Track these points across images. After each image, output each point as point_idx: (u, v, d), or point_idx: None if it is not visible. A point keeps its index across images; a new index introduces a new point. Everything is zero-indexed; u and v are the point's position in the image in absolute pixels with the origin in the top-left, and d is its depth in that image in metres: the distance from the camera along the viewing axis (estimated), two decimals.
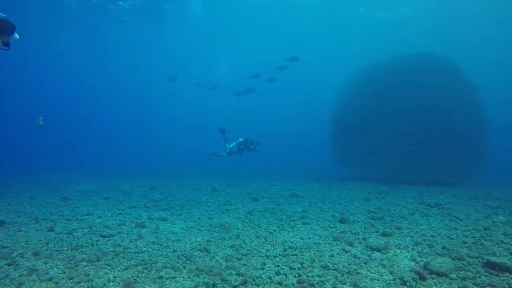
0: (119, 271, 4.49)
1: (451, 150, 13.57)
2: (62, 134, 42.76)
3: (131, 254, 5.20)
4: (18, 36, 4.84)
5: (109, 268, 4.58)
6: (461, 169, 13.78)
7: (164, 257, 5.06)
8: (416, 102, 14.18)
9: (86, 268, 4.55)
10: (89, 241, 5.80)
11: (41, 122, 7.24)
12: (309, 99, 45.89)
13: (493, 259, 4.68)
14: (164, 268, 4.63)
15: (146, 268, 4.60)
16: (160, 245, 5.66)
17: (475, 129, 13.99)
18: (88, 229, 6.61)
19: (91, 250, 5.31)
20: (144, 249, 5.45)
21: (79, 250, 5.29)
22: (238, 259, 4.99)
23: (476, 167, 14.07)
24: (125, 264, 4.72)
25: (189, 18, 28.82)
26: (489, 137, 14.52)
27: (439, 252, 5.28)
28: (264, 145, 13.37)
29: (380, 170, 15.24)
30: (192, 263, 4.83)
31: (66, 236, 6.13)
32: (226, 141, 13.02)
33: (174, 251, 5.37)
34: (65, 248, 5.38)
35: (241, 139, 13.09)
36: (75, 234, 6.26)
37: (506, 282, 4.14)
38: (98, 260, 4.83)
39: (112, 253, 5.16)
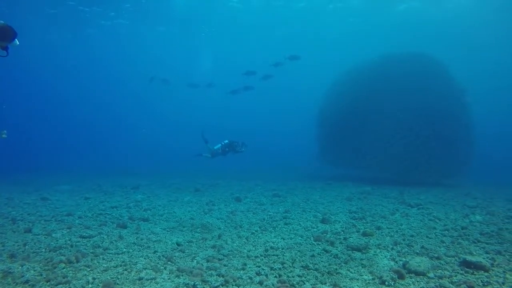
0: (99, 272, 4.44)
1: (435, 150, 13.83)
2: (45, 134, 41.89)
3: (111, 255, 5.15)
4: (18, 42, 4.90)
5: (88, 269, 4.53)
6: (444, 170, 14.08)
7: (144, 258, 5.03)
8: (401, 103, 14.33)
9: (64, 270, 4.48)
10: (68, 242, 5.71)
11: (4, 136, 7.01)
12: (296, 100, 46.06)
13: (469, 258, 4.81)
14: (145, 269, 4.60)
15: (126, 269, 4.56)
16: (141, 246, 5.62)
17: (459, 130, 14.25)
18: (68, 230, 6.51)
19: (70, 251, 5.23)
20: (124, 250, 5.40)
21: (58, 252, 5.21)
22: (219, 259, 5.00)
23: (459, 168, 14.37)
24: (105, 266, 4.67)
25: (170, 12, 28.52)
26: (472, 138, 14.83)
27: (417, 251, 5.39)
28: (249, 146, 13.42)
29: (366, 169, 15.50)
30: (173, 264, 4.82)
31: (45, 237, 6.03)
32: (206, 142, 13.00)
33: (155, 252, 5.34)
34: (43, 250, 5.29)
35: (226, 141, 13.09)
36: (53, 235, 6.16)
37: (481, 280, 4.27)
38: (77, 262, 4.77)
39: (92, 254, 5.10)
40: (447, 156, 13.89)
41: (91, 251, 5.27)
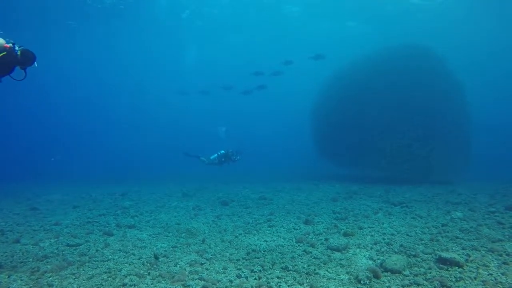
0: (84, 280, 4.54)
1: (426, 147, 13.99)
2: (34, 141, 41.66)
3: (97, 262, 5.25)
4: (36, 65, 5.27)
5: (74, 277, 4.63)
6: (435, 167, 14.25)
7: (129, 265, 5.14)
8: (392, 99, 14.36)
9: (51, 278, 4.58)
10: (55, 251, 5.80)
11: None
12: (289, 101, 46.34)
13: (443, 254, 4.97)
14: (129, 275, 4.71)
15: (110, 276, 4.67)
16: (126, 253, 5.72)
17: (451, 127, 14.34)
18: (55, 239, 6.59)
19: (56, 260, 5.32)
20: (110, 257, 5.50)
21: (45, 261, 5.30)
22: (202, 264, 5.13)
23: (451, 165, 14.53)
24: (90, 273, 4.77)
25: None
26: (465, 134, 14.99)
27: (396, 250, 5.55)
28: (244, 155, 13.73)
29: (357, 168, 15.76)
30: (156, 270, 4.93)
31: (32, 247, 6.10)
32: (198, 157, 13.41)
33: (140, 258, 5.45)
34: (30, 260, 5.38)
35: (222, 151, 13.47)
36: (41, 244, 6.24)
37: (454, 276, 4.44)
38: (63, 270, 4.86)
39: (78, 263, 5.19)
40: (438, 153, 14.04)
41: (77, 259, 5.36)
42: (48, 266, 4.94)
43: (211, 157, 13.67)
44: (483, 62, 33.03)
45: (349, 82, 16.14)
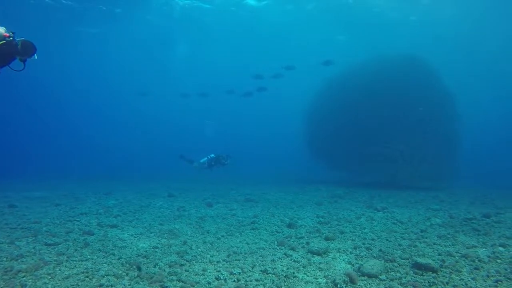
0: (59, 280, 4.49)
1: (415, 154, 14.19)
2: (19, 137, 40.97)
3: (74, 262, 5.19)
4: (36, 57, 5.32)
5: (49, 277, 4.57)
6: (423, 174, 14.48)
7: (108, 265, 5.10)
8: (384, 105, 14.56)
9: (24, 278, 4.52)
10: (32, 250, 5.72)
11: None
12: (281, 106, 46.51)
13: (419, 260, 5.06)
14: (106, 275, 4.67)
15: (87, 276, 4.63)
16: (106, 253, 5.67)
17: (441, 134, 14.67)
18: (33, 238, 6.49)
19: (32, 259, 5.24)
20: (88, 257, 5.45)
21: (19, 260, 5.21)
22: (181, 265, 5.12)
23: (439, 172, 14.76)
24: (67, 273, 4.72)
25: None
26: (455, 143, 15.27)
27: (375, 255, 5.63)
28: (234, 159, 13.83)
29: (347, 172, 16.00)
30: (135, 270, 4.91)
31: (8, 245, 5.99)
32: (192, 162, 13.47)
33: (119, 258, 5.41)
34: (4, 259, 5.27)
35: (212, 155, 13.58)
36: (17, 243, 6.13)
37: (428, 281, 4.52)
38: (38, 270, 4.80)
39: (55, 262, 5.13)
40: (427, 160, 14.26)
41: (54, 258, 5.30)
42: (23, 266, 4.87)
43: (201, 161, 13.77)
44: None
45: (341, 88, 16.38)
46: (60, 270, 4.84)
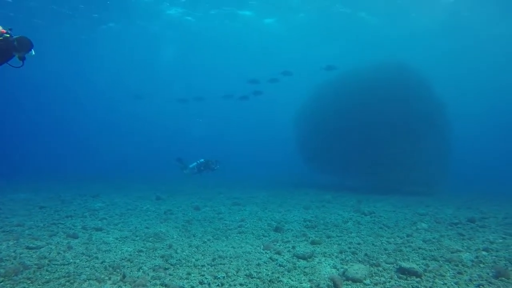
0: (39, 284, 4.41)
1: (403, 159, 14.30)
2: (6, 136, 40.34)
3: (56, 266, 5.10)
4: (34, 53, 5.38)
5: (29, 282, 4.48)
6: (412, 179, 14.61)
7: (90, 269, 5.02)
8: (371, 112, 14.72)
9: (2, 283, 4.41)
10: (13, 254, 5.60)
11: None
12: (272, 112, 46.62)
13: (403, 264, 5.09)
14: (88, 280, 4.60)
15: (68, 281, 4.55)
16: (89, 256, 5.59)
17: (428, 140, 14.77)
18: (15, 241, 6.36)
19: (12, 263, 5.14)
20: (71, 260, 5.37)
21: None
22: (165, 269, 5.07)
23: (428, 177, 14.87)
24: (47, 277, 4.63)
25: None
26: (443, 149, 15.40)
27: (360, 259, 5.64)
28: (223, 164, 13.87)
29: (337, 176, 16.11)
30: (118, 274, 4.84)
31: None
32: (185, 167, 13.48)
33: (103, 262, 5.34)
34: None
35: (202, 160, 13.64)
36: None
37: (411, 285, 4.54)
38: (17, 274, 4.70)
39: (35, 266, 5.03)
40: (417, 165, 14.37)
41: (35, 262, 5.19)
42: (1, 270, 4.76)
43: (190, 166, 13.79)
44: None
45: (333, 94, 16.55)
46: (40, 274, 4.75)
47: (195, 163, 13.80)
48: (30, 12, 23.65)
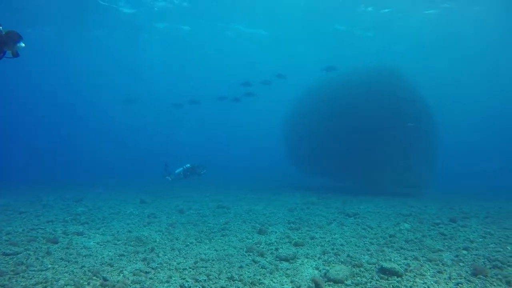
0: None
1: (389, 160, 14.42)
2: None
3: (33, 272, 4.98)
4: (24, 45, 5.51)
5: None
6: (398, 180, 14.73)
7: (69, 274, 4.92)
8: (358, 114, 14.79)
9: None
10: None
11: None
12: (261, 115, 46.59)
13: (385, 264, 5.12)
14: (66, 285, 4.51)
15: (45, 287, 4.45)
16: (69, 261, 5.48)
17: (415, 142, 14.86)
18: None
19: None
20: (49, 266, 5.25)
21: None
22: (146, 272, 5.00)
23: (415, 179, 15.00)
24: (23, 284, 4.52)
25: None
26: (430, 151, 15.56)
27: (342, 260, 5.66)
28: (208, 169, 13.88)
29: (325, 178, 16.21)
30: (98, 279, 4.76)
31: None
32: (169, 174, 13.43)
33: (82, 267, 5.24)
34: None
35: (188, 165, 13.62)
36: None
37: (392, 285, 4.58)
38: None
39: (12, 273, 4.90)
40: (404, 166, 14.50)
41: (11, 269, 5.06)
42: None
43: (176, 171, 13.78)
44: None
45: (320, 98, 16.66)
46: (16, 281, 4.64)
47: (181, 169, 13.79)
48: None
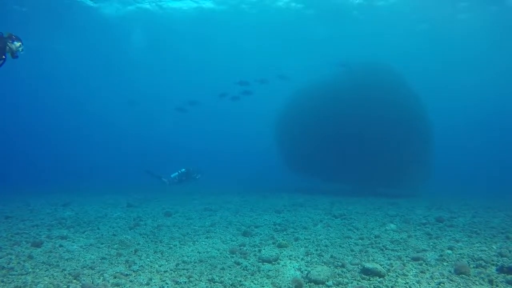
0: None
1: (381, 161, 14.49)
2: None
3: (13, 276, 4.91)
4: (22, 47, 6.08)
5: None
6: (389, 181, 14.82)
7: (49, 277, 4.86)
8: (349, 113, 14.91)
9: None
10: None
11: None
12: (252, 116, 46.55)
13: (367, 265, 5.11)
14: None
15: None
16: (50, 265, 5.41)
17: (407, 142, 14.89)
18: None
19: None
20: (30, 270, 5.18)
21: None
22: (127, 275, 4.95)
23: (405, 179, 15.08)
24: None
25: None
26: (422, 151, 15.60)
27: (325, 261, 5.64)
28: (204, 173, 13.86)
29: (315, 178, 16.26)
30: (78, 282, 4.70)
31: None
32: (160, 177, 13.47)
33: (63, 270, 5.18)
34: None
35: (183, 169, 13.59)
36: None
37: (373, 285, 4.57)
38: None
39: None
40: (395, 166, 14.57)
41: None
42: None
43: (172, 176, 13.75)
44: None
45: (312, 97, 16.70)
46: None
47: (176, 173, 13.75)
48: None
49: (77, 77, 38.18)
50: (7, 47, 5.89)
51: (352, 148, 14.76)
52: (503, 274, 4.80)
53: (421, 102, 15.81)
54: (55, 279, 4.81)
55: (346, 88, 15.37)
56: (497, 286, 4.45)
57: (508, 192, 17.23)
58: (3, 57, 5.88)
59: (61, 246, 6.58)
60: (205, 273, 5.02)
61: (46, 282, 4.66)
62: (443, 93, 36.26)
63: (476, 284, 4.53)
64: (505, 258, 5.54)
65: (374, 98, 14.71)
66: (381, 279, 4.78)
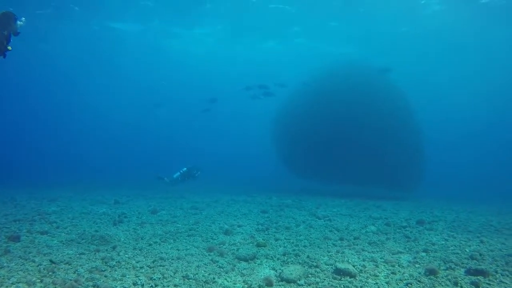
0: None
1: (374, 163, 14.63)
2: None
3: None
4: (23, 20, 6.05)
5: None
6: (382, 183, 14.95)
7: (23, 272, 4.88)
8: (348, 118, 15.06)
9: None
10: None
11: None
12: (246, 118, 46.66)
13: (339, 265, 5.20)
14: (17, 283, 4.47)
15: None
16: (26, 260, 5.43)
17: (399, 144, 15.10)
18: None
19: None
20: (5, 264, 5.20)
21: None
22: (102, 271, 4.99)
23: (399, 182, 15.24)
24: None
25: None
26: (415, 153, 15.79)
27: (301, 261, 5.71)
28: (204, 171, 13.99)
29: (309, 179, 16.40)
30: (51, 277, 4.73)
31: None
32: (162, 178, 14.01)
33: (39, 265, 5.20)
34: None
35: (185, 169, 13.80)
36: None
37: (343, 285, 4.65)
38: None
39: None
40: (388, 169, 14.72)
41: None
42: None
43: (174, 176, 13.96)
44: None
45: (307, 98, 16.86)
46: None
47: (178, 173, 13.95)
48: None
49: (76, 75, 37.96)
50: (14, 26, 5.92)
51: (345, 150, 14.90)
52: (469, 276, 4.91)
53: (412, 108, 16.03)
54: (28, 273, 4.83)
55: (336, 91, 15.51)
56: (461, 287, 4.56)
57: (495, 197, 17.48)
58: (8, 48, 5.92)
59: (40, 241, 6.61)
60: (180, 270, 5.08)
61: (19, 276, 4.69)
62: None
63: (442, 285, 4.63)
64: (475, 261, 5.66)
65: (366, 101, 14.89)
66: (352, 279, 4.86)
